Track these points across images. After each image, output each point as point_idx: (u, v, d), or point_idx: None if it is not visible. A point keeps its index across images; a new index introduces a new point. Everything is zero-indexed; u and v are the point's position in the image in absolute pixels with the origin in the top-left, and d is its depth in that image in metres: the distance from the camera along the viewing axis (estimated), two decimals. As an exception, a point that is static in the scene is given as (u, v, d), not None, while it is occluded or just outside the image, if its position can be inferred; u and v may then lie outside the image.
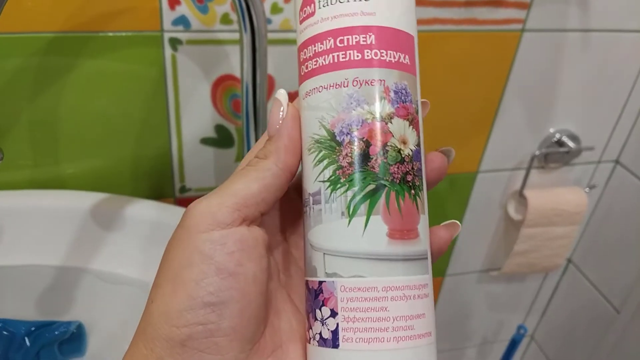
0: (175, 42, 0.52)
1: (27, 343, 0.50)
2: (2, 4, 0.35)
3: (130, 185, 0.59)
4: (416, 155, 0.22)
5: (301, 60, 0.23)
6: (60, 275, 0.52)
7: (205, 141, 0.59)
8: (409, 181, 0.22)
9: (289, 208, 0.26)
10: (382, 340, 0.21)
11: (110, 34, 0.50)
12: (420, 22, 0.58)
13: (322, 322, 0.22)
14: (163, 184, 0.60)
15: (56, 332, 0.50)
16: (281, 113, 0.23)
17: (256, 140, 0.51)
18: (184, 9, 0.50)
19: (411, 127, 0.22)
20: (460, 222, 0.77)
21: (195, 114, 0.57)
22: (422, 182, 0.23)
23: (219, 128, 0.59)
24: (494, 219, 0.80)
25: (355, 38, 0.22)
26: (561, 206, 0.74)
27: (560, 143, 0.73)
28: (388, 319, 0.21)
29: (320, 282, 0.22)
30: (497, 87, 0.66)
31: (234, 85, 0.56)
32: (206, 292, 0.21)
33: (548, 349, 0.97)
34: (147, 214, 0.53)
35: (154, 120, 0.56)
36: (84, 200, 0.53)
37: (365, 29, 0.22)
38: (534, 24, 0.62)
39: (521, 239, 0.76)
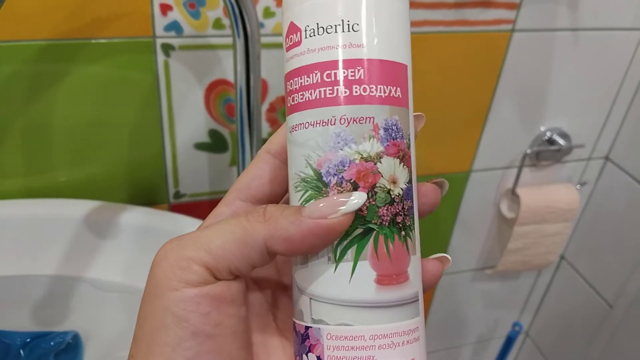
0: (167, 48, 0.52)
1: (23, 354, 0.50)
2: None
3: (124, 191, 0.59)
4: (407, 194, 0.21)
5: (288, 91, 0.22)
6: (55, 285, 0.51)
7: (199, 146, 0.59)
8: (398, 222, 0.21)
9: None
10: None
11: (102, 41, 0.50)
12: (410, 24, 0.58)
13: None
14: (157, 190, 0.60)
15: (52, 343, 0.50)
16: (336, 214, 0.20)
17: (251, 144, 0.51)
18: (175, 14, 0.50)
19: (402, 164, 0.21)
20: (454, 221, 0.78)
21: (189, 120, 0.57)
22: (413, 221, 0.22)
23: (213, 133, 0.58)
24: (487, 218, 0.80)
25: (343, 73, 0.20)
26: (553, 203, 0.75)
27: (551, 141, 0.73)
28: None
29: (307, 328, 0.21)
30: (488, 87, 0.67)
31: (227, 90, 0.56)
32: (184, 358, 0.19)
33: (543, 345, 0.98)
34: (141, 221, 0.52)
35: (147, 126, 0.56)
36: (78, 208, 0.52)
37: (354, 63, 0.20)
38: (523, 24, 0.62)
39: (514, 236, 0.77)
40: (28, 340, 0.50)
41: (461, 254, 0.83)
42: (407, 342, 0.21)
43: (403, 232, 0.21)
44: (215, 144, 0.59)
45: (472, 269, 0.86)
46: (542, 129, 0.73)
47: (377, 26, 0.21)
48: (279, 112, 0.59)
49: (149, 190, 0.60)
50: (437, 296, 0.88)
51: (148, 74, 0.53)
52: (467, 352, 1.00)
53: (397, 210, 0.21)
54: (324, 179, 0.21)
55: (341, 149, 0.20)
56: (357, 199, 0.20)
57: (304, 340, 0.21)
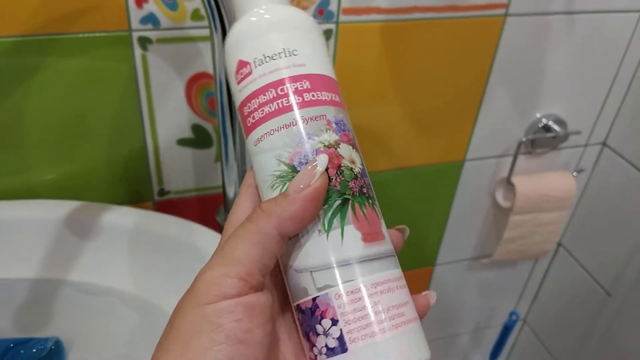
0: (144, 41, 0.50)
1: (5, 361, 0.48)
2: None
3: (106, 190, 0.57)
4: (364, 172, 0.26)
5: (246, 114, 0.26)
6: (36, 289, 0.50)
7: (183, 142, 0.57)
8: (365, 193, 0.25)
9: None
10: (383, 330, 0.23)
11: (76, 36, 0.48)
12: (399, 10, 0.56)
13: (325, 333, 0.23)
14: (141, 188, 0.58)
15: (34, 350, 0.48)
16: (314, 178, 0.23)
17: (233, 138, 0.49)
18: (151, 6, 0.48)
19: (354, 149, 0.26)
20: (449, 211, 0.77)
21: (171, 115, 0.55)
22: (373, 194, 0.26)
23: (196, 128, 0.56)
24: (483, 207, 0.79)
25: (294, 85, 0.25)
26: (549, 192, 0.73)
27: (547, 128, 0.72)
28: (383, 310, 0.23)
29: (314, 299, 0.24)
30: (482, 74, 0.65)
31: (209, 83, 0.54)
32: None
33: (541, 332, 0.97)
34: (124, 221, 0.51)
35: (127, 123, 0.54)
36: (58, 209, 0.51)
37: (300, 77, 0.25)
38: (517, 8, 0.60)
39: (510, 226, 0.76)
40: (10, 346, 0.49)
41: (457, 243, 0.82)
42: (400, 287, 0.25)
43: (370, 200, 0.25)
44: (199, 139, 0.57)
45: (468, 258, 0.85)
46: (538, 115, 0.71)
47: (310, 51, 0.26)
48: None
49: (133, 188, 0.58)
50: (433, 286, 0.86)
51: (125, 69, 0.50)
52: (464, 341, 0.99)
53: (362, 184, 0.25)
54: (298, 168, 0.24)
55: (307, 142, 0.24)
56: (322, 159, 0.24)
57: (313, 312, 0.24)
